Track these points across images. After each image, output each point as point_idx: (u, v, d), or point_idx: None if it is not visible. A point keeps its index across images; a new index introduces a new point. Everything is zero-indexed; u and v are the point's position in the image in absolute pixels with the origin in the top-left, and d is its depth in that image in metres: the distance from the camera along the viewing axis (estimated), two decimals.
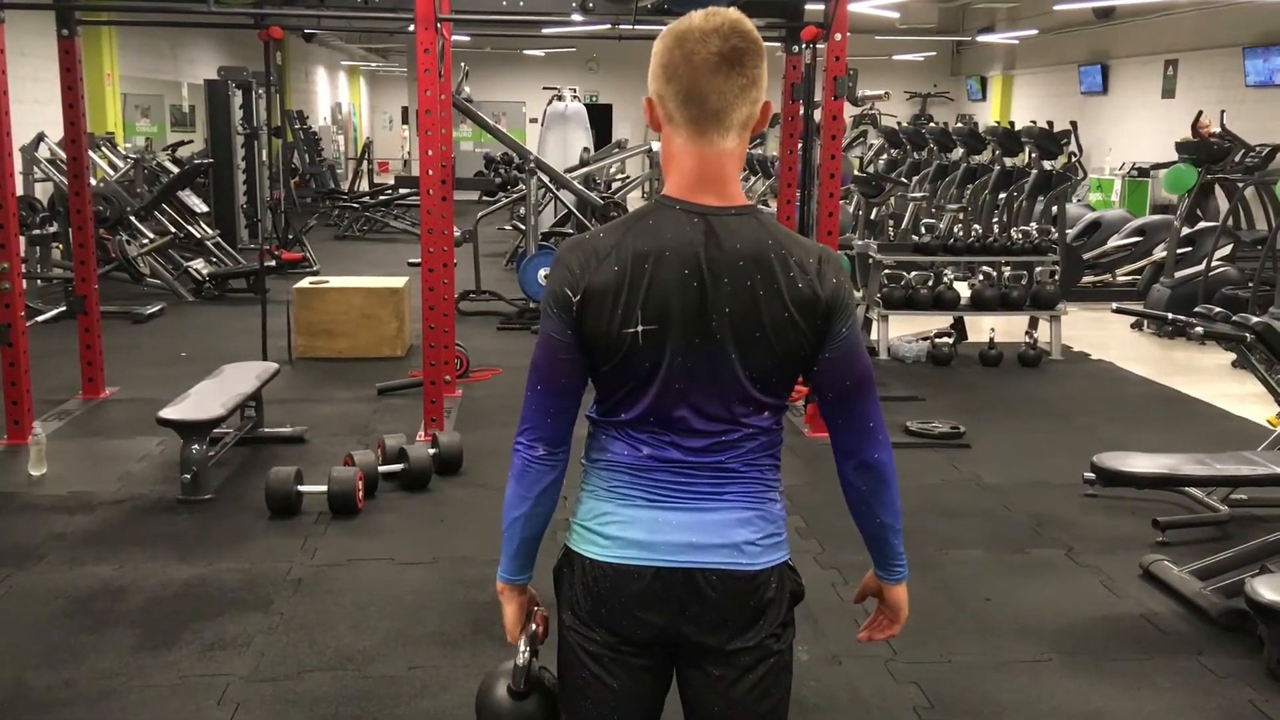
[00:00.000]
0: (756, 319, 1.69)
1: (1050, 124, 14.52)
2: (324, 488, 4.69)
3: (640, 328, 1.68)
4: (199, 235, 11.04)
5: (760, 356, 1.72)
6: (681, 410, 1.73)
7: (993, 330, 7.85)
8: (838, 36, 5.57)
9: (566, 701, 1.87)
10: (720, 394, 1.73)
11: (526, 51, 22.02)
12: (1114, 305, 5.55)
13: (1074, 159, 14.48)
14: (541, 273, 8.61)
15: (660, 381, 1.72)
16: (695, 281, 1.68)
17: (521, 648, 1.90)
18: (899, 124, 16.91)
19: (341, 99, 27.01)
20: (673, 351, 1.70)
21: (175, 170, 11.63)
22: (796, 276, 1.70)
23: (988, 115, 20.20)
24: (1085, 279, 10.64)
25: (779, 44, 6.65)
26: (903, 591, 2.02)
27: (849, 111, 17.83)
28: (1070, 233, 10.84)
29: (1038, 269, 8.05)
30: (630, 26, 6.15)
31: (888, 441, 1.82)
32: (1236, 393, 6.97)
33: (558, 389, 1.75)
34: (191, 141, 14.72)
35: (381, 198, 16.21)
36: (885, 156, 15.06)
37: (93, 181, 8.53)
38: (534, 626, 1.93)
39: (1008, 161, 11.56)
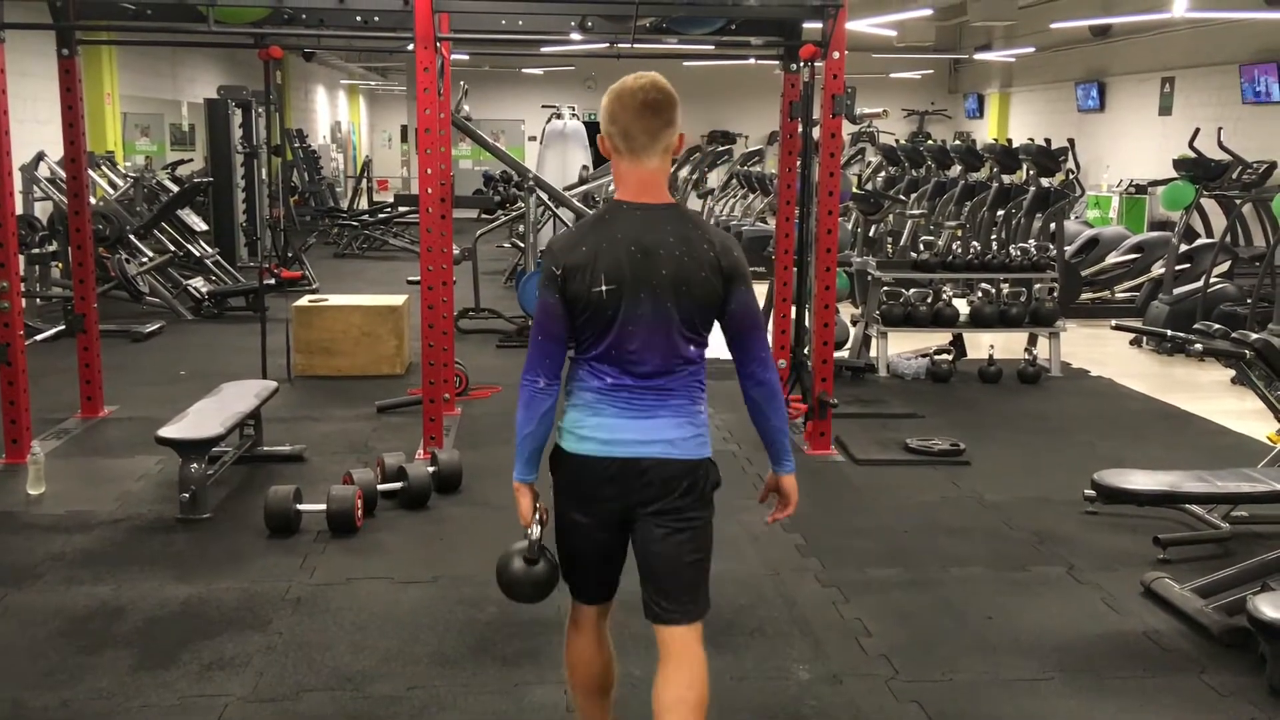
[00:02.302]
0: (685, 279, 2.49)
1: (1048, 141, 14.54)
2: (323, 506, 4.68)
3: (604, 287, 2.46)
4: (198, 254, 11.05)
5: (687, 305, 2.51)
6: (633, 345, 2.50)
7: (992, 347, 7.85)
8: (836, 55, 5.59)
9: (560, 540, 2.67)
10: (661, 333, 2.51)
11: (525, 70, 22.08)
12: (1113, 322, 5.56)
13: (1072, 176, 14.50)
14: None
15: (619, 325, 2.49)
16: (640, 255, 2.48)
17: (535, 527, 2.63)
18: (897, 141, 16.95)
19: (341, 117, 27.08)
20: (626, 303, 2.48)
21: (175, 189, 11.65)
22: (709, 249, 2.51)
23: (985, 133, 20.24)
24: (1084, 296, 10.65)
25: (777, 62, 6.67)
26: (792, 481, 2.87)
27: (847, 129, 17.87)
28: (1069, 250, 10.86)
29: (1036, 286, 8.06)
30: (629, 45, 6.17)
31: (774, 367, 2.66)
32: (1236, 409, 6.97)
33: (552, 337, 2.53)
34: (191, 160, 14.75)
35: (381, 216, 16.22)
36: (883, 174, 15.10)
37: (92, 200, 8.54)
38: (539, 515, 2.64)
39: (1006, 179, 11.58)
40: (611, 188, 14.44)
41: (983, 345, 8.02)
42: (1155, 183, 13.17)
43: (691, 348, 2.56)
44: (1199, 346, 4.49)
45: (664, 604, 2.57)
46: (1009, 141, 15.50)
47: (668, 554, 2.55)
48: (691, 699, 2.53)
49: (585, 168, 12.85)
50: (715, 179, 18.10)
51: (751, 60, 9.97)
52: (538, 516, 2.63)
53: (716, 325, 2.60)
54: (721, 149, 18.95)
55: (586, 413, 2.55)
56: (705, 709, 2.55)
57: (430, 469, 5.16)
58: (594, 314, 2.48)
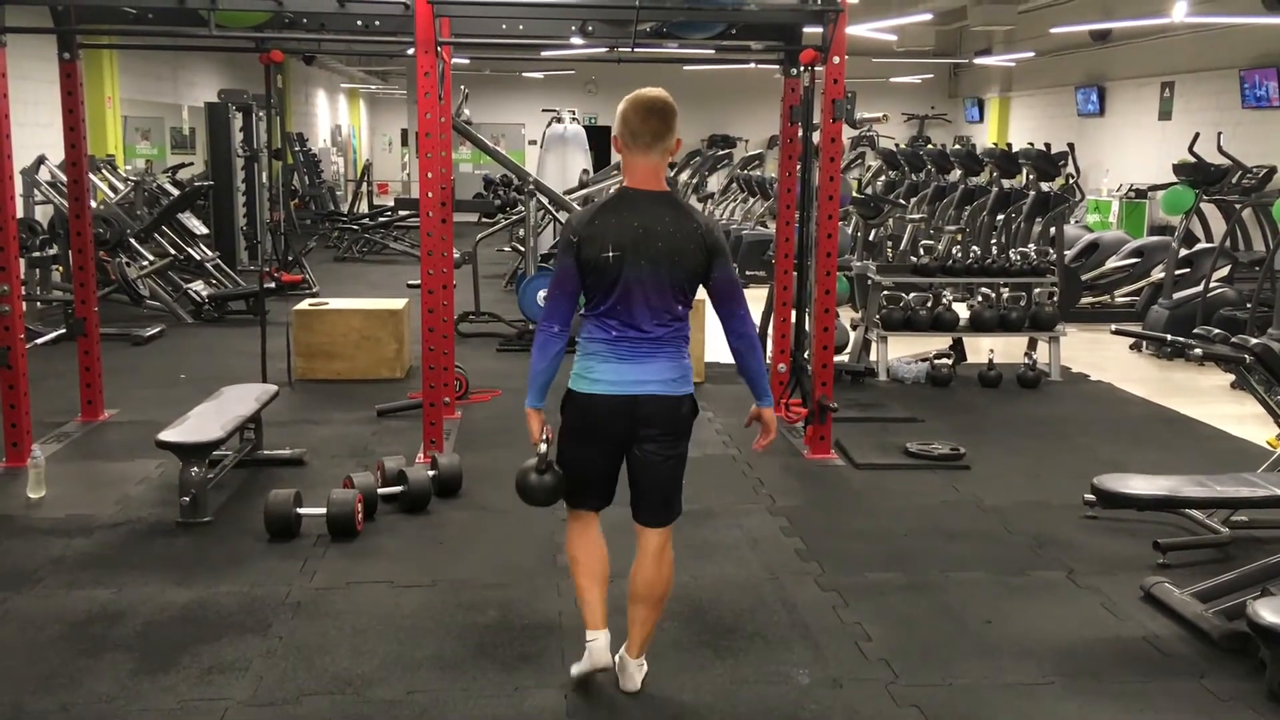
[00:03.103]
0: (676, 250, 3.16)
1: (1048, 146, 14.55)
2: (323, 510, 4.68)
3: (610, 253, 3.13)
4: (199, 257, 11.05)
5: (677, 272, 3.18)
6: (633, 303, 3.17)
7: (992, 351, 7.85)
8: (836, 59, 5.59)
9: (566, 466, 3.31)
10: (655, 294, 3.17)
11: (526, 74, 22.11)
12: (1113, 326, 5.55)
13: (1071, 180, 14.52)
14: (540, 294, 8.61)
15: (621, 285, 3.16)
16: (641, 229, 3.15)
17: (542, 445, 3.29)
18: (897, 146, 16.96)
19: (341, 121, 27.10)
20: (628, 268, 3.14)
21: (175, 192, 11.65)
22: (697, 228, 3.20)
23: (985, 137, 20.27)
24: (1084, 300, 10.65)
25: (778, 67, 6.68)
26: (770, 412, 3.40)
27: (847, 133, 17.85)
28: (1068, 254, 10.86)
29: (1036, 290, 8.06)
30: (629, 50, 6.17)
31: (753, 323, 3.35)
32: (1235, 413, 6.97)
33: (566, 293, 3.22)
34: (192, 164, 14.75)
35: (381, 219, 16.23)
36: (883, 178, 15.11)
37: (93, 204, 8.55)
38: (545, 435, 3.28)
39: (1005, 183, 11.59)
40: (610, 190, 14.50)
41: (982, 349, 8.03)
42: (1155, 187, 13.18)
43: (679, 307, 3.24)
44: (1199, 351, 4.50)
45: (648, 513, 3.34)
46: (1009, 146, 15.51)
47: (657, 476, 3.29)
48: (661, 584, 3.37)
49: (585, 171, 12.86)
50: (715, 183, 18.10)
51: (752, 64, 9.99)
52: (545, 436, 3.29)
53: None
54: (722, 153, 18.96)
55: (596, 360, 3.22)
56: (669, 588, 3.41)
57: (430, 473, 5.16)
58: (601, 275, 3.16)
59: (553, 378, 3.25)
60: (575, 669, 3.41)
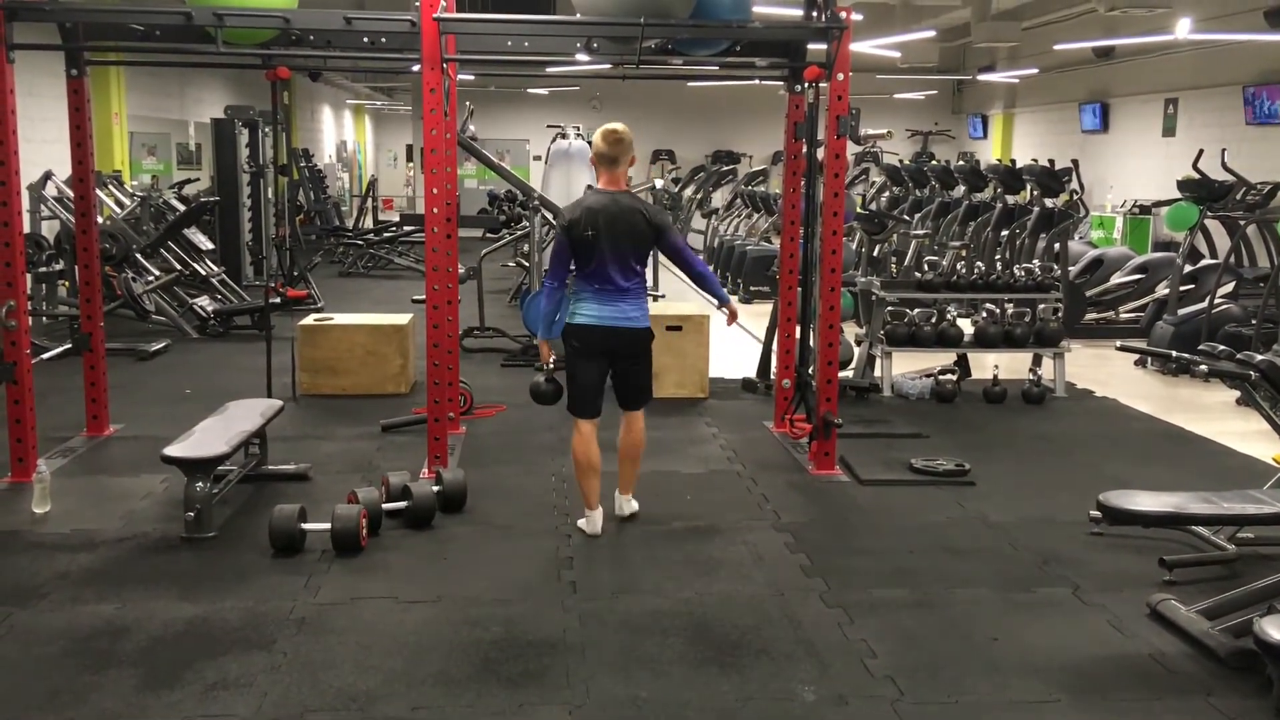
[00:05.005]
0: (634, 230, 4.77)
1: (1051, 162, 14.57)
2: (327, 526, 4.68)
3: (589, 233, 4.69)
4: (204, 272, 11.08)
5: (636, 246, 4.80)
6: (609, 268, 4.75)
7: (996, 367, 7.85)
8: (840, 76, 5.61)
9: (571, 382, 4.89)
10: (621, 259, 4.76)
11: (530, 90, 22.16)
12: (1118, 343, 5.55)
13: (1075, 197, 14.53)
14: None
15: (598, 256, 4.72)
16: (609, 217, 4.71)
17: (550, 362, 4.93)
18: (901, 162, 16.99)
19: (346, 137, 27.19)
20: (602, 243, 4.71)
21: (181, 208, 11.69)
22: (645, 214, 4.82)
23: (989, 153, 20.29)
24: (1088, 316, 10.64)
25: (782, 83, 6.70)
26: (734, 304, 5.18)
27: (851, 150, 17.91)
28: (1073, 270, 10.86)
29: (1041, 306, 8.05)
30: (634, 67, 6.19)
31: (702, 263, 5.18)
32: (1241, 430, 6.96)
33: (562, 261, 4.83)
34: (198, 179, 14.80)
35: (386, 235, 16.26)
36: (887, 194, 15.15)
37: (99, 219, 8.56)
38: (552, 357, 4.91)
39: (1009, 199, 11.61)
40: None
41: (987, 365, 8.02)
42: (1159, 203, 13.18)
43: (639, 267, 4.84)
44: (1204, 367, 4.49)
45: (629, 402, 5.01)
46: (1013, 162, 15.55)
47: (633, 379, 4.97)
48: (639, 441, 5.05)
49: (589, 186, 12.81)
50: (720, 198, 18.14)
51: (756, 81, 10.01)
52: (552, 357, 4.92)
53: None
54: (726, 168, 19.01)
55: (585, 304, 4.80)
56: (643, 447, 5.08)
57: (435, 488, 5.16)
58: (585, 248, 4.73)
59: (556, 316, 4.82)
60: (580, 523, 4.99)
